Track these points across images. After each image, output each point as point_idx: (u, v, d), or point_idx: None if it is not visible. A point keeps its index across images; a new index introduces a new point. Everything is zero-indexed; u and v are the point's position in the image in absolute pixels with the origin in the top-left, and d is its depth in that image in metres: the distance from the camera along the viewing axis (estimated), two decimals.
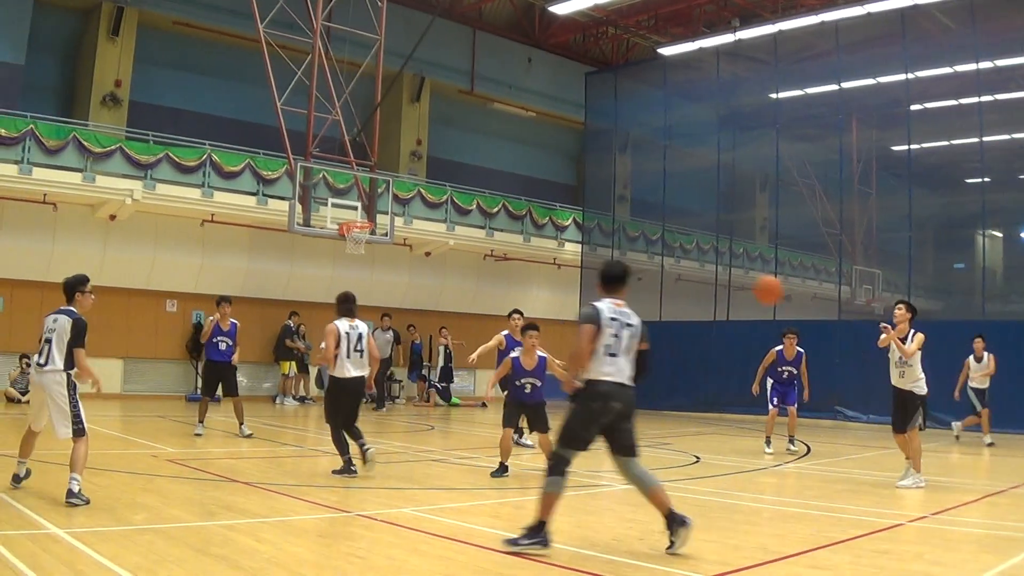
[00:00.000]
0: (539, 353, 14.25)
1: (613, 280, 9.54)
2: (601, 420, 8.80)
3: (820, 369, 24.88)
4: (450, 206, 32.85)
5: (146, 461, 13.71)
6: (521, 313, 19.02)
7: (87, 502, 9.64)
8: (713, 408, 29.70)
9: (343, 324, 13.12)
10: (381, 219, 26.68)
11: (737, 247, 34.94)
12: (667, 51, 34.43)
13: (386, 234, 26.76)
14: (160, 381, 28.74)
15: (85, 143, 25.58)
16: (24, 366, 24.63)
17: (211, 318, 18.60)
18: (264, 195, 28.42)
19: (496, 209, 34.13)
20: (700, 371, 30.77)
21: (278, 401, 29.13)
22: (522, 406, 14.31)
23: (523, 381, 14.14)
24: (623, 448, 8.94)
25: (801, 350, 18.70)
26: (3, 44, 27.19)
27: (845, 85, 30.23)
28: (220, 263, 29.04)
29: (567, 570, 7.75)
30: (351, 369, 13.00)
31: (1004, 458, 19.30)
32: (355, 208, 26.58)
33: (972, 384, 21.79)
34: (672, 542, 8.42)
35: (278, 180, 28.56)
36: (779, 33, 30.87)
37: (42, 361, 10.53)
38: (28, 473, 10.79)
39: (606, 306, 9.08)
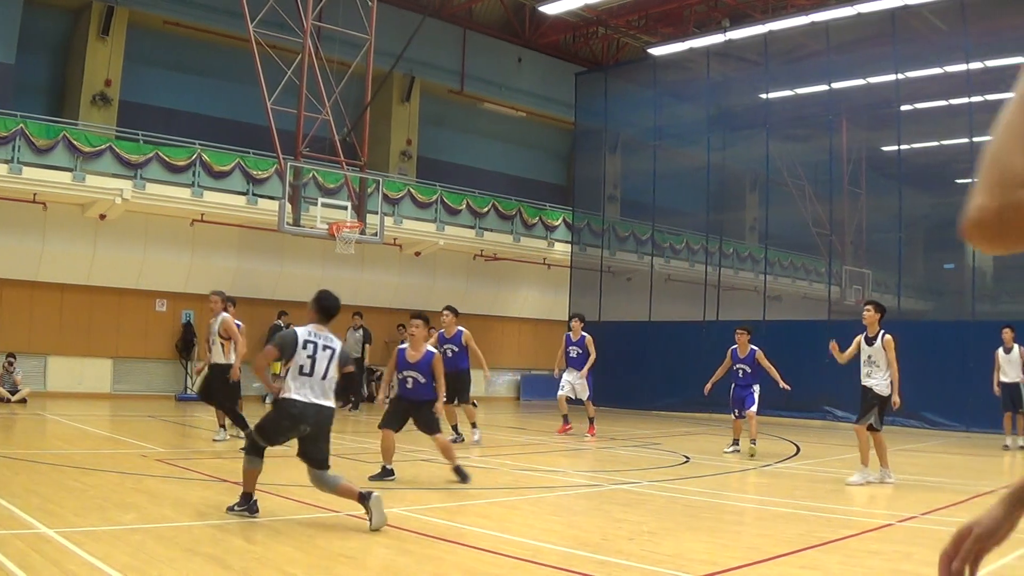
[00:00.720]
0: (428, 347, 13.44)
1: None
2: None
3: (809, 369, 24.92)
4: (440, 206, 32.84)
5: (135, 461, 13.70)
6: (452, 309, 19.37)
7: None
8: (703, 408, 29.64)
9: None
10: (371, 219, 26.66)
11: (727, 247, 35.00)
12: (657, 51, 34.41)
13: (376, 234, 26.74)
14: (150, 381, 28.71)
15: (75, 142, 25.53)
16: (8, 365, 24.64)
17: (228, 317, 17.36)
18: (254, 195, 28.40)
19: (486, 209, 34.12)
20: (690, 371, 30.70)
21: (267, 400, 29.07)
22: (402, 401, 13.47)
23: (405, 375, 13.33)
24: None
25: (754, 347, 18.94)
26: None
27: (835, 85, 30.24)
28: (210, 263, 29.01)
29: (557, 570, 7.75)
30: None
31: (993, 459, 19.33)
32: (345, 208, 26.54)
33: (1003, 379, 20.90)
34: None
35: (268, 180, 28.55)
36: (769, 33, 30.86)
37: None
38: None
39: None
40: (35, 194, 25.38)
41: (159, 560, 7.43)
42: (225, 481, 12.06)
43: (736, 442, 18.64)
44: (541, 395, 36.31)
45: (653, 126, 34.51)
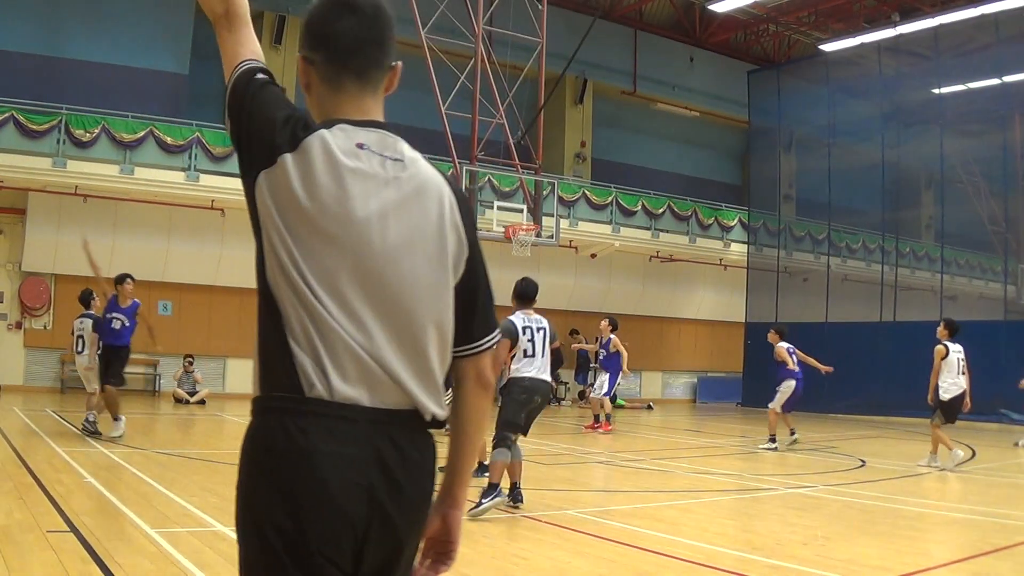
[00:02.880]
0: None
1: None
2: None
3: (985, 371, 24.18)
4: (615, 207, 32.73)
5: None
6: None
7: None
8: (880, 411, 29.06)
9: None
10: (546, 221, 26.69)
11: (903, 246, 34.14)
12: (828, 47, 33.88)
13: (551, 236, 26.77)
14: None
15: None
16: (188, 366, 25.41)
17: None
18: None
19: (661, 210, 33.88)
20: (867, 373, 30.11)
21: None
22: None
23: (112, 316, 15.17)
24: None
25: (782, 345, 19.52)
26: (168, 55, 28.00)
27: (1007, 79, 29.27)
28: None
29: (730, 574, 7.65)
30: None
31: None
32: (521, 211, 26.64)
33: None
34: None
35: None
36: (939, 27, 30.07)
37: None
38: None
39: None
40: (212, 201, 26.07)
41: None
42: None
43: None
44: (718, 397, 35.96)
45: (827, 123, 33.88)
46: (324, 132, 2.49)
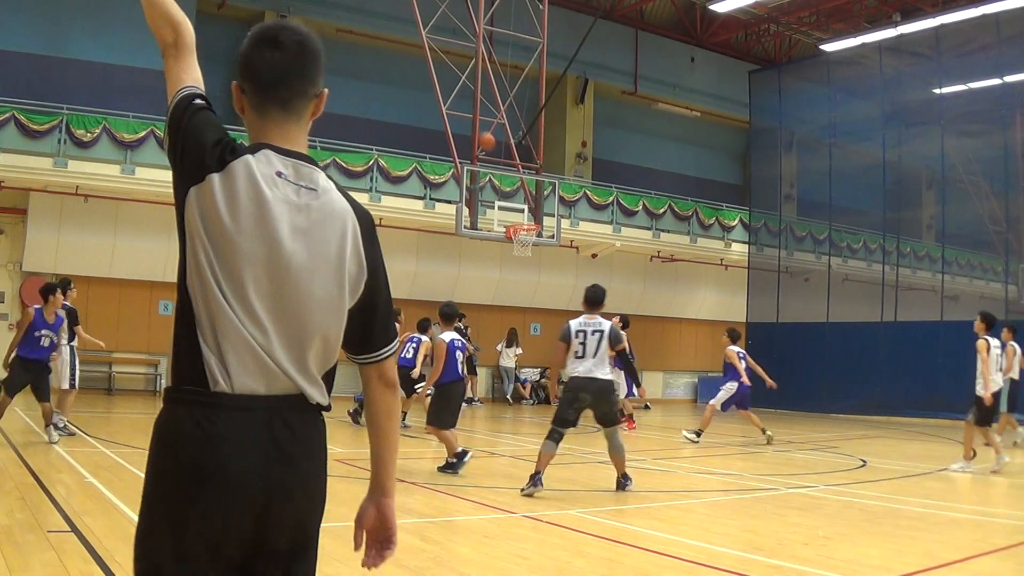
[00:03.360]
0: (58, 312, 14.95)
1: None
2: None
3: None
4: (616, 207, 32.75)
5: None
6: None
7: None
8: (881, 411, 29.06)
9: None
10: (547, 221, 26.66)
11: (904, 246, 34.11)
12: (829, 47, 33.94)
13: (552, 236, 26.75)
14: (337, 382, 29.20)
15: None
16: None
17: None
18: (431, 199, 28.77)
19: (662, 210, 33.90)
20: (868, 373, 30.13)
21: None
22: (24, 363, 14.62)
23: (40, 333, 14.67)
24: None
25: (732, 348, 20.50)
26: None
27: (1008, 79, 29.26)
28: (389, 266, 28.34)
29: (731, 574, 7.66)
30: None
31: None
32: (522, 211, 26.63)
33: None
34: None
35: (445, 184, 28.87)
36: (940, 27, 30.10)
37: None
38: None
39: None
40: None
41: (335, 558, 7.50)
42: (403, 481, 12.17)
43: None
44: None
45: (828, 123, 33.92)
46: (249, 158, 2.81)
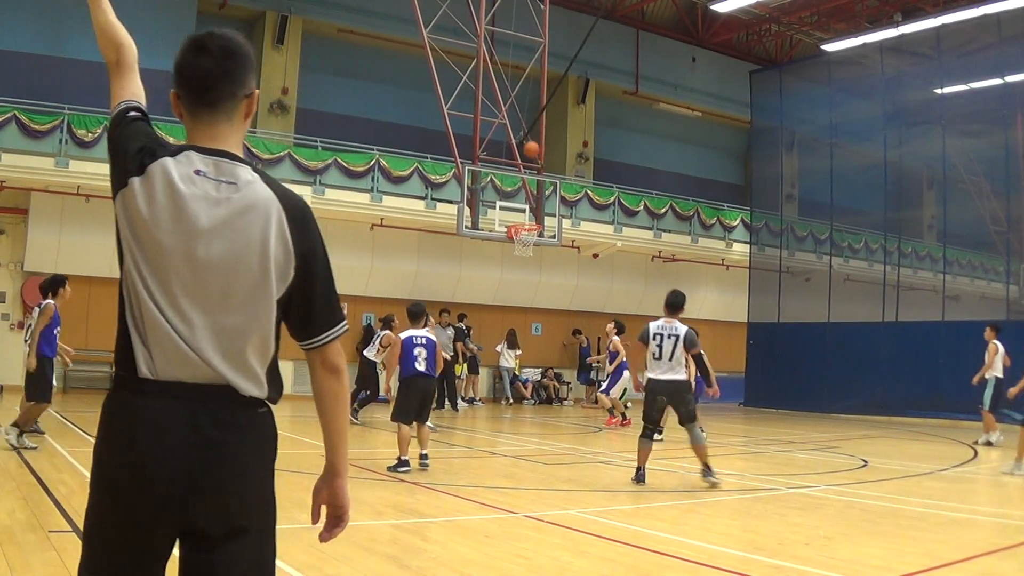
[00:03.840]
0: None
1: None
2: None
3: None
4: (617, 207, 32.73)
5: (315, 460, 13.85)
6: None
7: None
8: (882, 411, 29.05)
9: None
10: (549, 221, 26.65)
11: (905, 246, 34.11)
12: (830, 47, 33.91)
13: (554, 236, 26.74)
14: None
15: (254, 150, 26.21)
16: None
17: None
18: (432, 199, 28.75)
19: (663, 210, 33.88)
20: (869, 373, 30.14)
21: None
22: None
23: None
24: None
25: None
26: (170, 55, 27.18)
27: (1009, 79, 29.25)
28: (390, 266, 29.46)
29: (732, 573, 7.65)
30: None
31: None
32: (523, 211, 26.63)
33: None
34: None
35: (446, 184, 28.84)
36: (941, 27, 30.07)
37: None
38: None
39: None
40: None
41: (336, 558, 7.53)
42: (403, 482, 12.19)
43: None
44: (720, 397, 35.96)
45: (829, 123, 33.91)
46: (167, 160, 3.00)
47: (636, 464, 12.92)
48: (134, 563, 2.99)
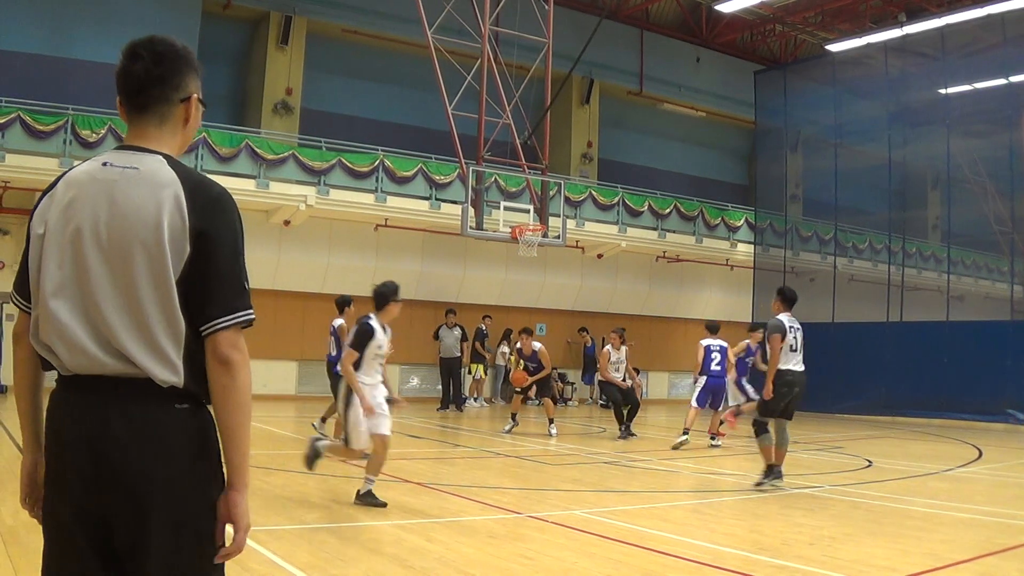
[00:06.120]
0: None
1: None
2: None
3: (991, 371, 24.13)
4: (621, 208, 32.69)
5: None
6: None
7: None
8: (886, 411, 29.03)
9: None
10: (553, 222, 26.66)
11: (910, 247, 34.09)
12: (835, 47, 33.89)
13: (558, 236, 26.73)
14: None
15: (258, 150, 26.17)
16: None
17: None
18: (437, 199, 28.72)
19: (668, 210, 33.84)
20: (873, 373, 30.10)
21: (467, 403, 29.05)
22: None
23: None
24: None
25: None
26: None
27: (1013, 79, 29.22)
28: (394, 267, 29.41)
29: (736, 574, 7.64)
30: None
31: None
32: (527, 211, 26.63)
33: None
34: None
35: (450, 184, 28.82)
36: (946, 27, 30.05)
37: None
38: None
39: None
40: None
41: (340, 559, 7.52)
42: (408, 482, 12.18)
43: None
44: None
45: (833, 124, 33.90)
46: (77, 167, 3.14)
47: (765, 464, 12.87)
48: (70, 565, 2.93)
